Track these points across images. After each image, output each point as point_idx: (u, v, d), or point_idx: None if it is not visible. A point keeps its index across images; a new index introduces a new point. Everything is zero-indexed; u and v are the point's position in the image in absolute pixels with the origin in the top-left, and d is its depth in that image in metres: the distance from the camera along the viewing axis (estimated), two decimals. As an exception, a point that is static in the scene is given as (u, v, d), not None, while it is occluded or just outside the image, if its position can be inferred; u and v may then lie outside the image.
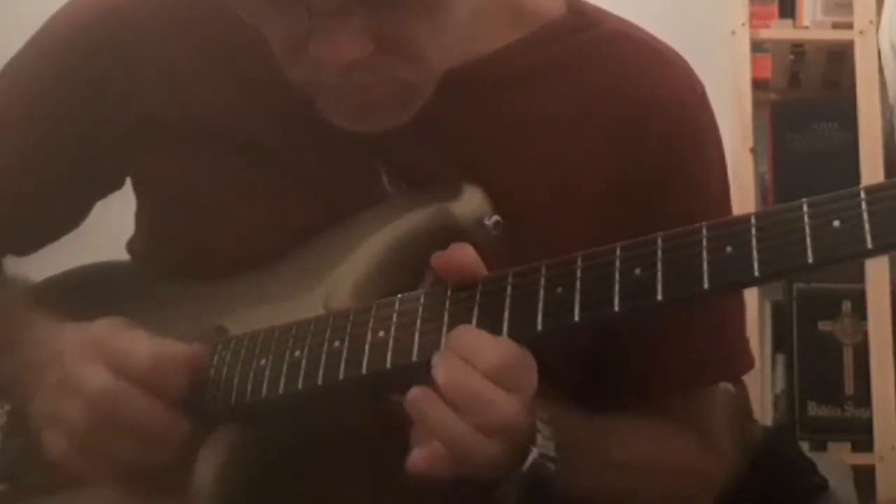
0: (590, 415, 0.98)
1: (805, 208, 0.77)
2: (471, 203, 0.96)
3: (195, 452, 0.94)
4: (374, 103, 0.91)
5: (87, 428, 0.91)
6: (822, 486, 1.89)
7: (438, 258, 0.90)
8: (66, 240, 1.14)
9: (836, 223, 0.75)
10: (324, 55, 0.86)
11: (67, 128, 1.05)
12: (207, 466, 0.94)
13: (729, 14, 2.53)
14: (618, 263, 0.83)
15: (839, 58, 2.58)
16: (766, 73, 2.62)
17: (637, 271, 0.82)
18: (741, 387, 1.94)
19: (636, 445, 1.02)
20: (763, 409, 2.39)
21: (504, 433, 0.85)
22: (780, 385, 2.46)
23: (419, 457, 0.85)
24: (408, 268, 0.96)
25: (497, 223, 0.96)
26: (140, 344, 0.93)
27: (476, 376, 0.84)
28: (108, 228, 1.12)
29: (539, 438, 0.89)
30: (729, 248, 0.79)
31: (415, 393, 0.85)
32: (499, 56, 1.02)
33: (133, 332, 0.94)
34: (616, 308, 0.82)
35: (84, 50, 1.03)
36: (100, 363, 0.92)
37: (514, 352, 0.85)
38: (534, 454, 0.88)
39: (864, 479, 2.22)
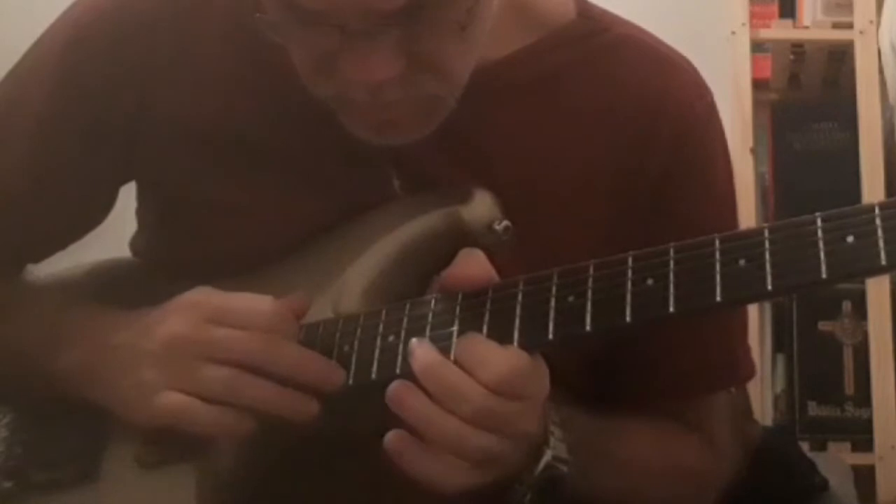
0: (597, 417, 0.98)
1: (819, 223, 0.77)
2: (481, 207, 0.96)
3: (193, 454, 0.95)
4: (399, 118, 0.92)
5: (229, 388, 0.90)
6: (822, 486, 1.89)
7: (447, 279, 0.91)
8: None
9: (850, 238, 0.75)
10: (355, 74, 0.87)
11: (75, 130, 1.05)
12: (215, 465, 0.95)
13: (729, 14, 2.52)
14: (630, 273, 0.83)
15: (839, 58, 2.57)
16: (766, 73, 2.62)
17: (649, 282, 0.82)
18: (741, 387, 1.94)
19: (641, 448, 1.03)
20: (763, 409, 2.39)
21: (502, 432, 0.85)
22: (780, 385, 2.46)
23: (391, 437, 0.86)
24: (417, 271, 0.96)
25: (507, 228, 0.95)
26: (252, 302, 0.93)
27: (450, 366, 0.84)
28: (112, 224, 1.12)
29: (552, 440, 0.90)
30: (742, 262, 0.79)
31: (395, 386, 0.86)
32: (510, 61, 1.02)
33: (231, 292, 0.95)
34: (628, 319, 0.82)
35: (90, 51, 1.03)
36: (224, 326, 0.92)
37: (520, 362, 0.85)
38: (547, 456, 0.89)
39: (864, 479, 2.23)
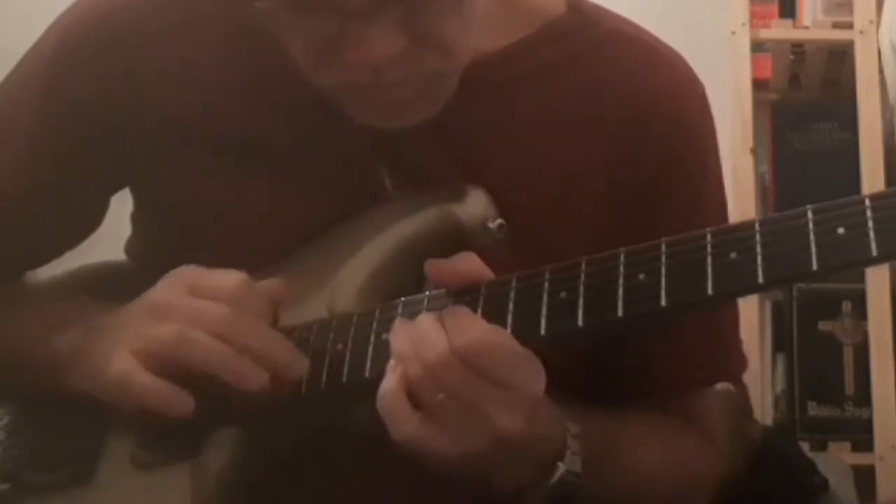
0: (611, 420, 0.98)
1: (810, 215, 0.77)
2: (475, 206, 0.96)
3: (191, 453, 0.95)
4: (405, 98, 0.92)
5: (179, 335, 0.91)
6: (822, 486, 1.89)
7: (432, 268, 0.91)
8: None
9: (841, 230, 0.75)
10: (358, 55, 0.87)
11: (70, 136, 1.05)
12: (209, 469, 0.95)
13: (729, 14, 2.52)
14: (622, 268, 0.83)
15: (839, 58, 2.57)
16: (766, 73, 2.62)
17: (641, 277, 0.82)
18: (741, 387, 1.94)
19: (647, 450, 1.02)
20: (763, 409, 2.38)
21: (477, 410, 0.84)
22: (780, 385, 2.45)
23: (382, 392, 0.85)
24: (411, 270, 0.96)
25: (501, 226, 0.95)
26: (227, 277, 0.94)
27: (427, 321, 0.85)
28: (106, 228, 1.12)
29: (568, 454, 0.89)
30: (733, 255, 0.79)
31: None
32: (501, 56, 1.02)
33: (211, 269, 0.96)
34: (620, 313, 0.82)
35: (84, 58, 1.03)
36: (197, 298, 0.93)
37: (498, 336, 0.84)
38: (560, 470, 0.89)
39: (864, 479, 2.22)
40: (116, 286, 1.08)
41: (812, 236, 0.76)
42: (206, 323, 0.91)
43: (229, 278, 0.94)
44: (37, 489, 1.02)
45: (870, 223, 0.74)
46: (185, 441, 0.95)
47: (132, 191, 1.10)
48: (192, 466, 0.95)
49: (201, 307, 0.92)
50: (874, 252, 0.73)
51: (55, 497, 1.01)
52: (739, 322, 1.11)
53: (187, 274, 0.96)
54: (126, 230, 1.15)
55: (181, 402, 0.91)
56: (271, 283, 0.95)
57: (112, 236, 1.14)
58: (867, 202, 0.75)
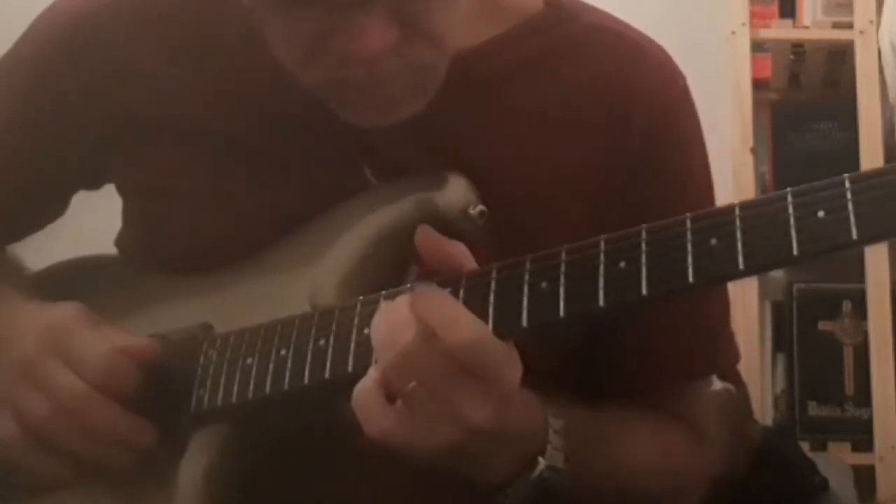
0: (593, 416, 0.96)
1: (790, 199, 0.76)
2: (456, 193, 0.95)
3: (173, 453, 0.94)
4: (397, 93, 0.91)
5: (47, 423, 0.93)
6: (822, 486, 1.88)
7: (424, 237, 0.89)
8: (56, 234, 1.15)
9: (821, 214, 0.74)
10: (350, 49, 0.86)
11: (44, 137, 1.06)
12: (195, 467, 0.94)
13: (729, 14, 2.53)
14: (602, 257, 0.82)
15: (839, 58, 2.58)
16: (766, 73, 2.62)
17: (622, 265, 0.81)
18: (741, 387, 1.94)
19: (637, 447, 1.01)
20: (763, 409, 2.39)
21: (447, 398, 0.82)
22: (780, 385, 2.46)
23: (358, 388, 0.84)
24: (392, 259, 0.95)
25: (482, 213, 0.94)
26: (94, 345, 0.94)
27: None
28: (98, 223, 1.12)
29: (549, 449, 0.88)
30: (713, 241, 0.77)
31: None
32: (480, 52, 1.01)
33: (88, 326, 0.96)
34: (601, 303, 0.81)
35: (61, 61, 1.03)
36: (61, 361, 0.94)
37: (486, 335, 0.83)
38: (541, 465, 0.88)
39: (864, 479, 2.23)
40: (96, 282, 1.09)
41: (792, 221, 0.75)
42: (62, 401, 0.93)
43: (96, 349, 0.94)
44: (24, 491, 1.01)
45: (850, 206, 0.73)
46: (172, 440, 0.94)
47: (117, 187, 1.10)
48: (170, 465, 0.94)
49: (59, 384, 0.93)
50: (854, 235, 0.72)
51: (43, 499, 1.00)
52: (730, 311, 1.10)
53: (58, 332, 0.96)
54: (107, 226, 1.15)
55: (63, 477, 0.95)
56: (139, 348, 0.96)
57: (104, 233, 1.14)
58: (847, 184, 0.73)
